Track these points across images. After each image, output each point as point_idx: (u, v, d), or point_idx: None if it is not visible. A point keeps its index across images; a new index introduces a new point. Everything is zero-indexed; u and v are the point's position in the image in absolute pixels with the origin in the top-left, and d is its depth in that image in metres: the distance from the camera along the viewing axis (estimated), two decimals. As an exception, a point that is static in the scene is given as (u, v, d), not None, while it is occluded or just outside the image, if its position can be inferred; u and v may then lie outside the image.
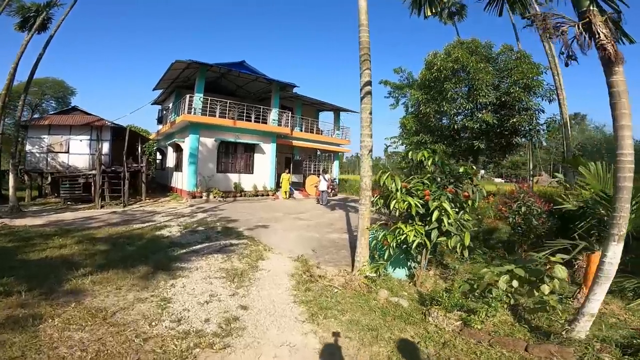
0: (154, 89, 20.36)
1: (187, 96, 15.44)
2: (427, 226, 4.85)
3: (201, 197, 15.42)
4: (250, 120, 17.34)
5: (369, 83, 5.62)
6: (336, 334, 3.74)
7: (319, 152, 24.54)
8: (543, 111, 13.38)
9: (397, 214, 5.36)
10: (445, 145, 14.81)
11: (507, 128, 13.19)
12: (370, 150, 5.59)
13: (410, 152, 5.59)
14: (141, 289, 4.70)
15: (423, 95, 15.05)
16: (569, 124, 12.95)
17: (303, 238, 8.62)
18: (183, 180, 16.25)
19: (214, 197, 15.66)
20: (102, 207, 12.93)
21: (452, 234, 4.86)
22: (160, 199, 15.95)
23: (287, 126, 18.93)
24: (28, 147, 15.60)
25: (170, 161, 20.45)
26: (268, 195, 17.74)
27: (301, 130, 21.05)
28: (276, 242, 7.93)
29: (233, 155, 17.15)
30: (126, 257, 6.05)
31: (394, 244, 4.97)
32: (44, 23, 20.38)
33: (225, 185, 16.50)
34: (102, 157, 16.03)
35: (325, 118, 31.91)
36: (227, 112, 16.58)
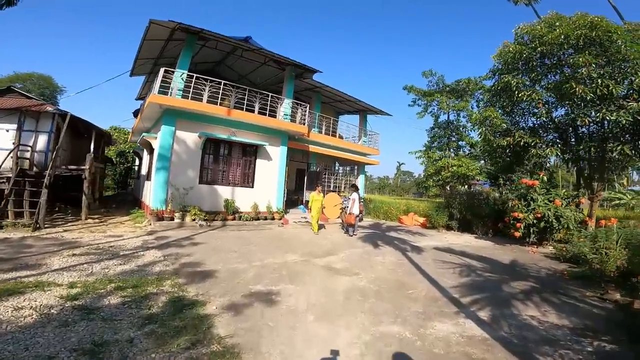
0: (132, 75, 15.50)
1: (162, 69, 10.44)
2: None
3: (172, 219, 10.07)
4: (252, 112, 12.22)
5: None
6: None
7: (337, 165, 19.35)
8: None
9: None
10: (560, 151, 9.55)
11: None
12: None
13: None
14: None
15: (514, 78, 9.96)
16: None
17: (377, 352, 3.16)
18: (149, 193, 11.00)
19: (193, 219, 10.31)
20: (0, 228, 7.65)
21: None
22: (114, 220, 10.62)
23: (304, 123, 13.79)
24: None
25: (144, 167, 15.29)
26: (274, 218, 12.36)
27: (320, 132, 15.90)
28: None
29: (225, 159, 11.92)
30: None
31: None
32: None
33: (212, 203, 11.19)
34: (35, 155, 10.98)
35: (346, 123, 26.12)
36: (219, 98, 11.45)
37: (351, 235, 10.55)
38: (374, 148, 18.61)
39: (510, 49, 10.80)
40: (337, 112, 20.12)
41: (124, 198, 19.08)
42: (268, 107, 12.57)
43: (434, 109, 30.54)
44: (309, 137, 14.54)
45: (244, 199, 11.98)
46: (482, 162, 40.22)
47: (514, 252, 9.10)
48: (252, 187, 12.33)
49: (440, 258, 7.88)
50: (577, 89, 8.50)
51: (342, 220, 12.54)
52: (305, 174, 15.73)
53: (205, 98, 11.00)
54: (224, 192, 11.55)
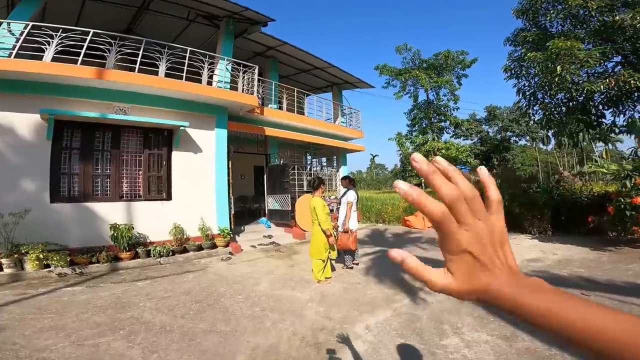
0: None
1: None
2: None
3: (-12, 278, 4.91)
4: (156, 74, 7.18)
5: None
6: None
7: (309, 156, 14.59)
8: None
9: None
10: None
11: None
12: None
13: None
14: None
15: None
16: None
17: None
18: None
19: (45, 265, 5.19)
20: None
21: None
22: None
23: (252, 93, 8.88)
24: None
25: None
26: (215, 246, 7.41)
27: (279, 108, 11.04)
28: None
29: (109, 155, 6.79)
30: None
31: None
32: None
33: (85, 234, 6.07)
34: None
35: (317, 97, 18.25)
36: (80, 55, 6.25)
37: (351, 267, 5.80)
38: (357, 129, 14.01)
39: None
40: (303, 92, 15.35)
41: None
42: (185, 68, 7.56)
43: (411, 89, 26.61)
44: (263, 115, 9.68)
45: (154, 220, 6.89)
46: (469, 142, 37.16)
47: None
48: (169, 198, 7.25)
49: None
50: None
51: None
52: (264, 172, 10.83)
53: (50, 54, 5.81)
54: (110, 212, 6.40)
